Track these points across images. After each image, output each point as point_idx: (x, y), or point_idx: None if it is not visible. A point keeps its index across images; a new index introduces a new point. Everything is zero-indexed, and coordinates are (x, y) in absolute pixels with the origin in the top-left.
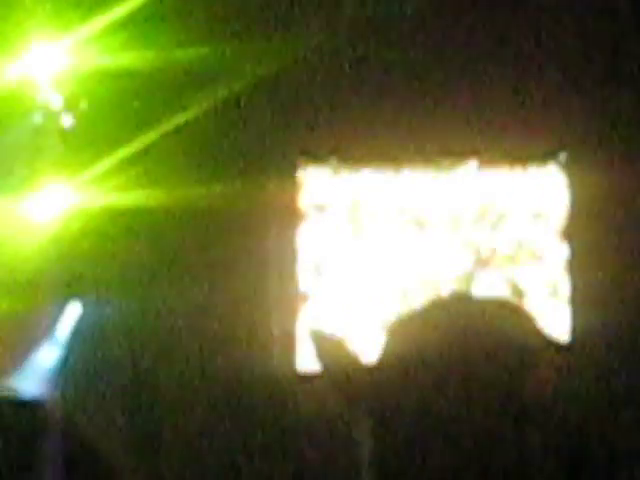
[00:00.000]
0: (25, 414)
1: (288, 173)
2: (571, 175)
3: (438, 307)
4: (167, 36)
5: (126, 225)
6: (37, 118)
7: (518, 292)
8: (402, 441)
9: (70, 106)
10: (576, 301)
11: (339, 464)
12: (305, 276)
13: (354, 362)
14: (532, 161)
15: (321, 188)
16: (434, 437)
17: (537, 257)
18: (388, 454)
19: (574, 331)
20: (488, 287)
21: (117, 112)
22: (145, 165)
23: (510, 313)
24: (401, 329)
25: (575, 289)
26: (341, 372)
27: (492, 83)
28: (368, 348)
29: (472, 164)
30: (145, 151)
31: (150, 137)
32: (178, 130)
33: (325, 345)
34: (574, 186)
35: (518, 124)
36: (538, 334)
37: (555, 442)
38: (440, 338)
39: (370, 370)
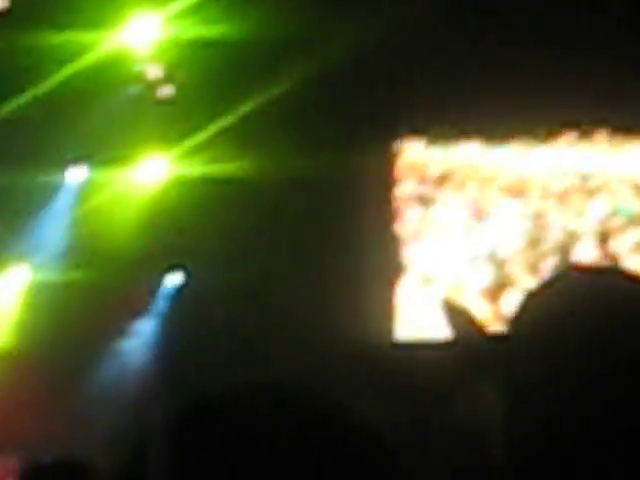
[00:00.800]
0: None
1: (386, 144)
2: None
3: (575, 279)
4: (267, 5)
5: (225, 195)
6: (135, 89)
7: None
8: (535, 409)
9: (169, 77)
10: None
11: (434, 430)
12: (402, 246)
13: (484, 332)
14: (632, 132)
15: (418, 159)
16: (569, 407)
17: (634, 227)
18: (520, 421)
19: None
20: (583, 255)
21: (216, 82)
22: (244, 135)
23: None
24: (538, 299)
25: None
26: (473, 340)
27: (591, 52)
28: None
29: (572, 135)
30: (244, 121)
31: (249, 107)
32: (277, 100)
33: (457, 315)
34: None
35: (618, 94)
36: None
37: None
38: (578, 308)
39: (503, 339)
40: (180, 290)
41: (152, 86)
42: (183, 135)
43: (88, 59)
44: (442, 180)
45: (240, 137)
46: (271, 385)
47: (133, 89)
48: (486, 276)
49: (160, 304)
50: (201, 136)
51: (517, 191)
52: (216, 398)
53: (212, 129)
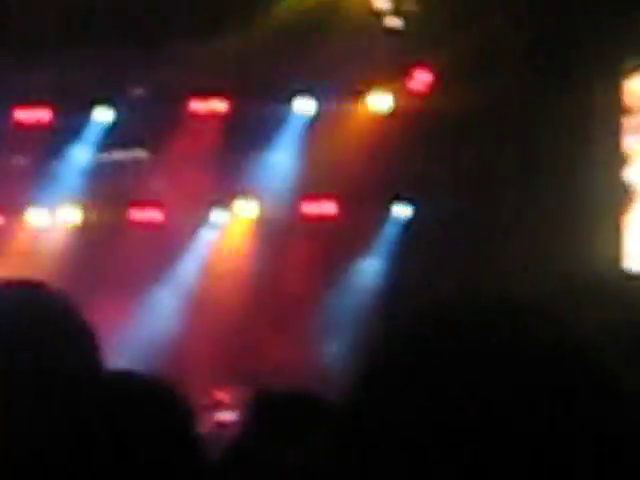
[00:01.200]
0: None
1: (613, 74)
2: None
3: None
4: None
5: (452, 126)
6: (363, 20)
7: None
8: None
9: (397, 8)
10: None
11: None
12: (630, 175)
13: None
14: None
15: None
16: None
17: None
18: None
19: None
20: None
21: (443, 13)
22: (471, 66)
23: None
24: None
25: None
26: None
27: None
28: None
29: None
30: (472, 51)
31: (476, 37)
32: (504, 31)
33: None
34: None
35: None
36: None
37: None
38: None
39: None
40: (407, 221)
41: (380, 17)
42: (410, 67)
43: None
44: None
45: (467, 68)
46: (507, 307)
47: (361, 20)
48: None
49: (387, 235)
50: (428, 68)
51: None
52: (443, 317)
53: (440, 60)
